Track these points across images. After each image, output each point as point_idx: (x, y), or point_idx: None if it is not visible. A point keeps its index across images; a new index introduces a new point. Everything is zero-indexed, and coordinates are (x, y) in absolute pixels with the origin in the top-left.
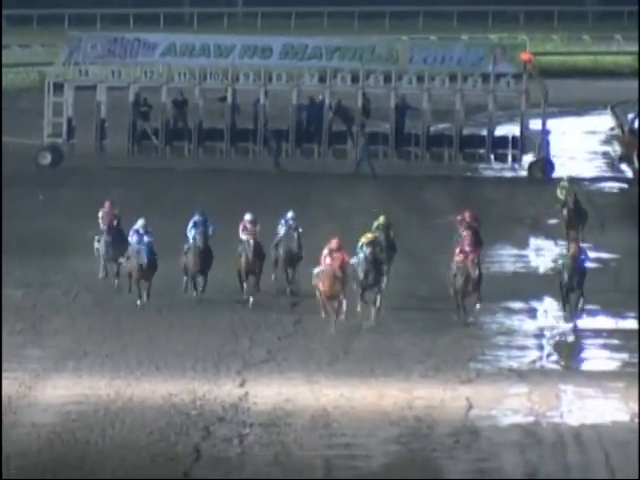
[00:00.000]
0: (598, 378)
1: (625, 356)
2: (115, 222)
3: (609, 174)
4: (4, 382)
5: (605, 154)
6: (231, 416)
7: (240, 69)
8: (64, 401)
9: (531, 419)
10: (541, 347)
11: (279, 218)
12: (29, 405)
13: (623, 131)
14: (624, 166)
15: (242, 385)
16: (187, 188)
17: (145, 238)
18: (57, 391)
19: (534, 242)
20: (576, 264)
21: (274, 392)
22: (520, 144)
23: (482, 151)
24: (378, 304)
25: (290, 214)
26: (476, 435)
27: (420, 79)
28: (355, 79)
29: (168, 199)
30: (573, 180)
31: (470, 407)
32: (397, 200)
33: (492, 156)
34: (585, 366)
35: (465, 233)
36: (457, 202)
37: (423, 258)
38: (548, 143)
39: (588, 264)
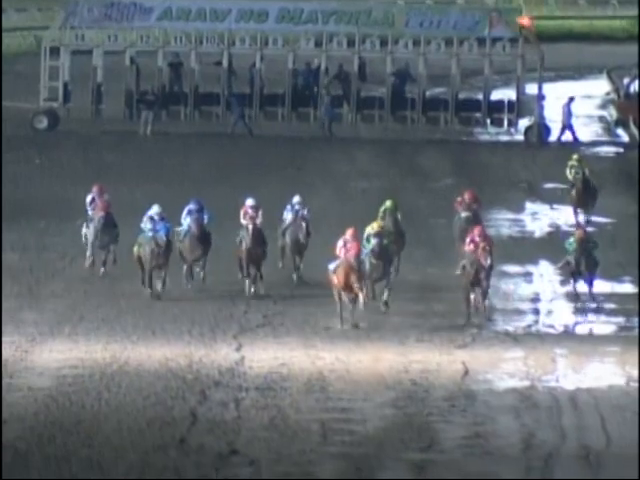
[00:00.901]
0: (594, 342)
1: (621, 320)
2: (105, 207)
3: (605, 138)
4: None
5: (601, 118)
6: (227, 380)
7: (236, 33)
8: (60, 365)
9: (527, 383)
10: (537, 311)
11: (275, 181)
12: (25, 369)
13: (619, 95)
14: (620, 130)
15: (238, 349)
16: (183, 152)
17: (160, 225)
18: (53, 355)
19: (530, 206)
20: (583, 251)
21: (270, 356)
22: (516, 108)
23: (478, 115)
24: (385, 298)
25: (297, 199)
26: (472, 399)
27: (416, 43)
28: (351, 43)
29: (164, 163)
30: (582, 159)
31: (466, 371)
32: (393, 164)
33: (488, 120)
34: (581, 330)
35: (474, 229)
36: (453, 166)
37: (419, 221)
38: (543, 107)
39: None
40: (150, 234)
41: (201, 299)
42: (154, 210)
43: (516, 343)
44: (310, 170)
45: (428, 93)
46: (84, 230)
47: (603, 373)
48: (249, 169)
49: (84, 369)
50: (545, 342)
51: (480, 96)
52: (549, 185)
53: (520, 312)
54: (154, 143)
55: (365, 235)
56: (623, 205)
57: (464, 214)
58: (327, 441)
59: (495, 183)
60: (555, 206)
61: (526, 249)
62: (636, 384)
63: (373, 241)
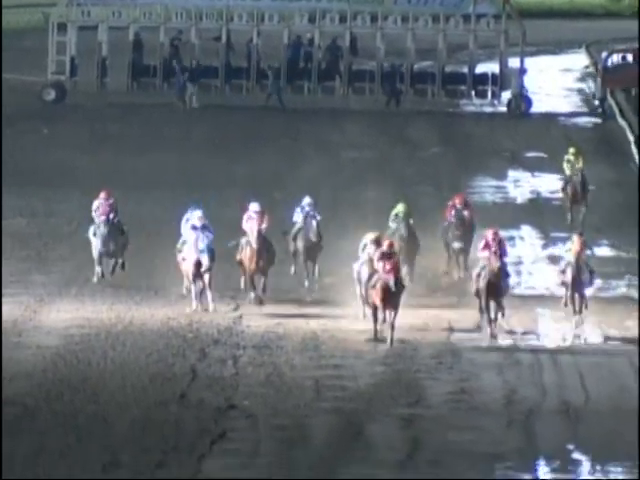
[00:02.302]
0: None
1: (599, 282)
2: (112, 214)
3: (584, 109)
4: (10, 306)
5: (580, 91)
6: (225, 338)
7: (234, 10)
8: (67, 325)
9: (510, 342)
10: (519, 273)
11: (270, 151)
12: (34, 328)
13: (597, 68)
14: (598, 102)
15: (236, 309)
16: (184, 123)
17: (204, 234)
18: (61, 315)
19: (512, 174)
20: (581, 262)
21: (266, 314)
22: (499, 81)
23: (463, 88)
24: None
25: (307, 200)
26: (458, 357)
27: (405, 19)
28: (343, 20)
29: (166, 133)
30: (579, 152)
31: (452, 330)
32: (382, 134)
33: (473, 92)
34: (561, 291)
35: (487, 232)
36: (439, 136)
37: (407, 189)
38: (525, 80)
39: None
40: (194, 251)
41: None
42: (195, 216)
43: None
44: (304, 140)
45: (416, 67)
46: (91, 238)
47: (582, 332)
48: (246, 139)
49: (90, 328)
50: (527, 303)
51: (465, 70)
52: (531, 154)
53: None
54: (156, 114)
55: (362, 244)
56: (602, 172)
57: (453, 220)
58: (320, 396)
59: (479, 152)
60: (536, 174)
61: (509, 214)
62: (614, 342)
63: (369, 249)
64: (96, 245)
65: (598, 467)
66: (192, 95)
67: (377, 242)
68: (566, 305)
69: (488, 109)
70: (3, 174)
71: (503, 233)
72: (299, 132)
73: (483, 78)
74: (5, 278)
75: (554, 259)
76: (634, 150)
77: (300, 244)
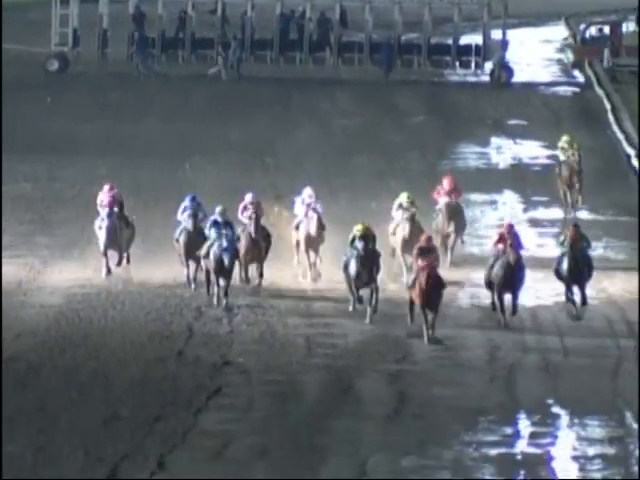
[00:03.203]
0: (551, 264)
1: (566, 208)
2: (116, 207)
3: (563, 79)
4: (15, 267)
5: (559, 61)
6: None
7: None
8: (70, 285)
9: (490, 300)
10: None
11: (264, 119)
12: (38, 288)
13: (575, 40)
14: (576, 72)
15: None
16: (181, 92)
17: (225, 231)
18: (63, 275)
19: (495, 141)
20: (576, 252)
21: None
22: (482, 52)
23: (448, 58)
24: (374, 302)
25: (308, 191)
26: (442, 315)
27: None
28: None
29: (164, 102)
30: (573, 140)
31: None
32: (371, 103)
33: (457, 63)
34: (539, 252)
35: (505, 226)
36: (425, 104)
37: (394, 155)
38: (507, 51)
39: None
40: (216, 248)
41: None
42: (217, 212)
43: (482, 265)
44: (296, 108)
45: (403, 38)
46: (97, 231)
47: (560, 291)
48: (240, 107)
49: (91, 288)
50: None
51: (450, 41)
52: (512, 121)
53: (486, 237)
54: (155, 83)
55: (350, 237)
56: (579, 138)
57: (443, 204)
58: (311, 353)
59: (463, 120)
60: (518, 140)
61: (491, 180)
62: (592, 302)
63: (358, 244)
64: (101, 238)
65: (576, 420)
66: (219, 68)
67: (364, 236)
68: (568, 301)
69: (472, 79)
70: (9, 141)
71: (486, 197)
72: (291, 100)
73: (467, 49)
74: (10, 240)
75: (535, 222)
76: (610, 118)
77: (301, 236)
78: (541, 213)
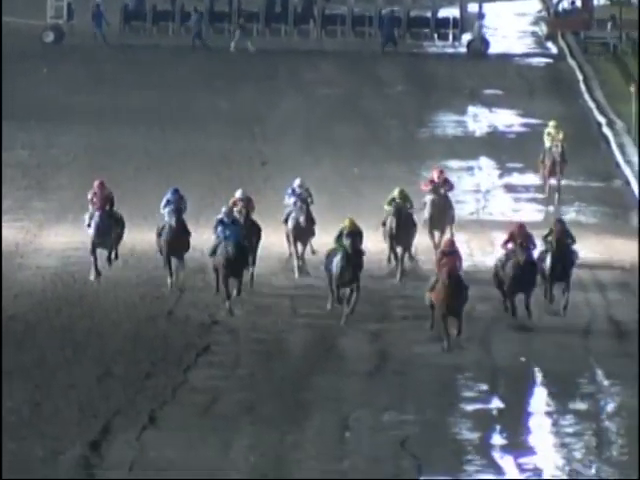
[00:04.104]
0: (527, 227)
1: (551, 208)
2: (107, 205)
3: (537, 51)
4: (13, 230)
5: (533, 33)
6: (209, 260)
7: None
8: (65, 247)
9: (469, 263)
10: (478, 201)
11: (251, 88)
12: (34, 250)
13: (549, 13)
14: (549, 44)
15: None
16: (171, 63)
17: (229, 230)
18: (59, 238)
19: (472, 109)
20: (561, 249)
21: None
22: (460, 24)
23: (427, 31)
24: (353, 303)
25: (297, 182)
26: (423, 278)
27: None
28: None
29: (155, 72)
30: (559, 125)
31: (416, 252)
32: (353, 73)
33: (435, 35)
34: (515, 217)
35: (515, 226)
36: (405, 75)
37: (375, 123)
38: (483, 24)
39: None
40: (221, 242)
41: (186, 192)
42: (223, 212)
43: (460, 229)
44: (281, 78)
45: (383, 11)
46: (88, 230)
47: (535, 254)
48: (228, 77)
49: (86, 251)
50: (485, 228)
51: (429, 14)
52: (488, 91)
53: (463, 202)
54: (146, 54)
55: (337, 233)
56: (552, 107)
57: (432, 197)
58: (296, 313)
59: (441, 89)
60: (494, 109)
61: (468, 147)
62: None
63: (345, 242)
64: (91, 236)
65: (550, 378)
66: (234, 40)
67: (351, 233)
68: (545, 296)
69: (449, 50)
70: (7, 110)
71: (463, 164)
72: (277, 71)
73: (445, 22)
74: (8, 205)
75: (510, 187)
76: (582, 88)
77: (290, 227)
78: (516, 179)
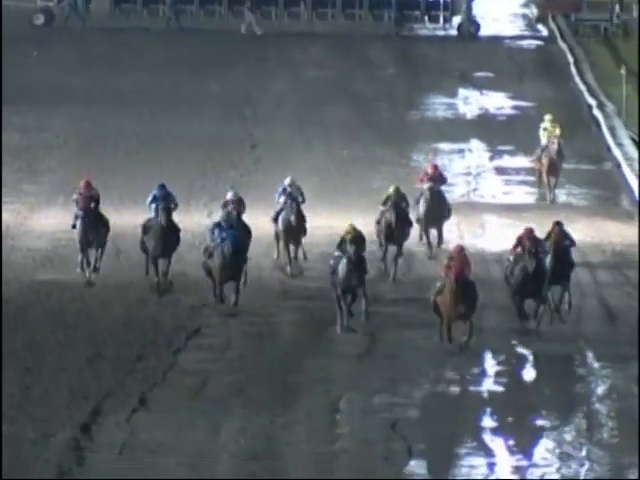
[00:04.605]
0: (516, 210)
1: (541, 190)
2: (92, 204)
3: (527, 33)
4: (3, 213)
5: (524, 16)
6: (199, 243)
7: None
8: (55, 230)
9: (459, 242)
10: (468, 183)
11: (242, 69)
12: (25, 233)
13: None
14: (540, 26)
15: (209, 216)
16: (162, 45)
17: (226, 234)
18: (49, 221)
19: (462, 92)
20: (559, 252)
21: None
22: (450, 7)
23: (417, 13)
24: (364, 308)
25: (287, 181)
26: (412, 258)
27: None
28: None
29: (145, 54)
30: (555, 120)
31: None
32: (343, 55)
33: (426, 17)
34: (505, 199)
35: (524, 231)
36: (395, 57)
37: (365, 105)
38: (472, 6)
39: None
40: (218, 245)
41: (177, 174)
42: (221, 216)
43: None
44: (272, 61)
45: None
46: (74, 231)
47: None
48: (219, 60)
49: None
50: (475, 210)
51: None
52: (479, 74)
53: (454, 184)
54: (136, 37)
55: (340, 239)
56: (543, 90)
57: (427, 193)
58: (286, 296)
59: (432, 72)
60: (484, 92)
61: (459, 129)
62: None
63: (350, 248)
64: (77, 236)
65: (541, 360)
66: (250, 23)
67: (355, 240)
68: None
69: (440, 33)
70: None
71: (453, 146)
72: (268, 53)
73: (435, 4)
74: None
75: (501, 170)
76: (573, 70)
77: (280, 227)
78: (506, 161)
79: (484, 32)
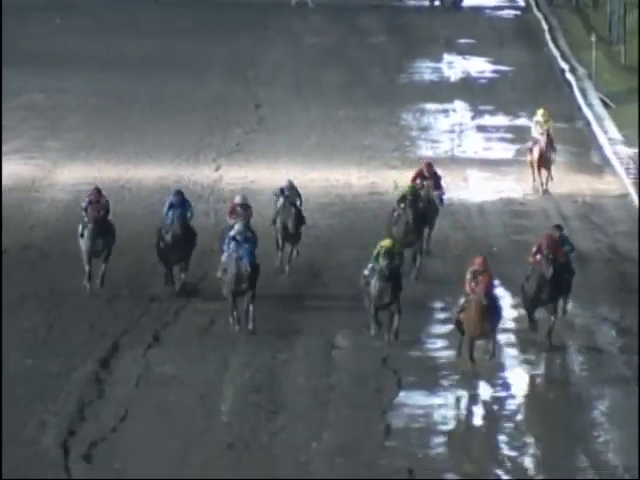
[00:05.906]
0: (497, 164)
1: (518, 146)
2: (102, 212)
3: (506, 3)
4: (29, 167)
5: None
6: (208, 194)
7: None
8: (77, 182)
9: (445, 196)
10: (452, 140)
11: (244, 38)
12: (49, 185)
13: None
14: None
15: (217, 170)
16: (166, 14)
17: (244, 248)
18: (72, 174)
19: (447, 57)
20: (559, 259)
21: (242, 175)
22: None
23: None
24: (396, 325)
25: (286, 183)
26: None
27: None
28: None
29: (157, 22)
30: (547, 114)
31: (396, 187)
32: (338, 24)
33: None
34: (486, 155)
35: (543, 237)
36: (386, 26)
37: (359, 70)
38: None
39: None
40: (234, 260)
41: (187, 132)
42: (236, 229)
43: (436, 166)
44: (272, 29)
45: None
46: (80, 240)
47: (504, 189)
48: (223, 28)
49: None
50: (459, 164)
51: None
52: (462, 40)
53: (439, 141)
54: (143, 6)
55: (375, 252)
56: (520, 55)
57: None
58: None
59: (419, 39)
60: (467, 57)
61: (443, 91)
62: (532, 197)
63: (382, 262)
64: (84, 246)
65: (516, 303)
66: None
67: (388, 253)
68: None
69: (426, 3)
70: (23, 57)
71: (438, 106)
72: (269, 21)
73: None
74: (24, 144)
75: (482, 128)
76: (547, 37)
77: (279, 229)
78: (487, 120)
79: (467, 2)
